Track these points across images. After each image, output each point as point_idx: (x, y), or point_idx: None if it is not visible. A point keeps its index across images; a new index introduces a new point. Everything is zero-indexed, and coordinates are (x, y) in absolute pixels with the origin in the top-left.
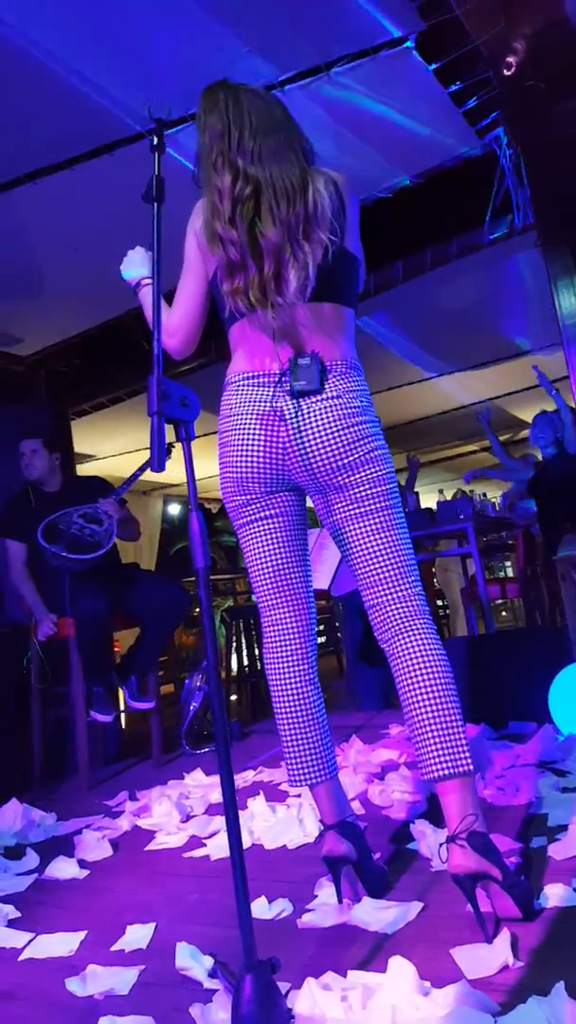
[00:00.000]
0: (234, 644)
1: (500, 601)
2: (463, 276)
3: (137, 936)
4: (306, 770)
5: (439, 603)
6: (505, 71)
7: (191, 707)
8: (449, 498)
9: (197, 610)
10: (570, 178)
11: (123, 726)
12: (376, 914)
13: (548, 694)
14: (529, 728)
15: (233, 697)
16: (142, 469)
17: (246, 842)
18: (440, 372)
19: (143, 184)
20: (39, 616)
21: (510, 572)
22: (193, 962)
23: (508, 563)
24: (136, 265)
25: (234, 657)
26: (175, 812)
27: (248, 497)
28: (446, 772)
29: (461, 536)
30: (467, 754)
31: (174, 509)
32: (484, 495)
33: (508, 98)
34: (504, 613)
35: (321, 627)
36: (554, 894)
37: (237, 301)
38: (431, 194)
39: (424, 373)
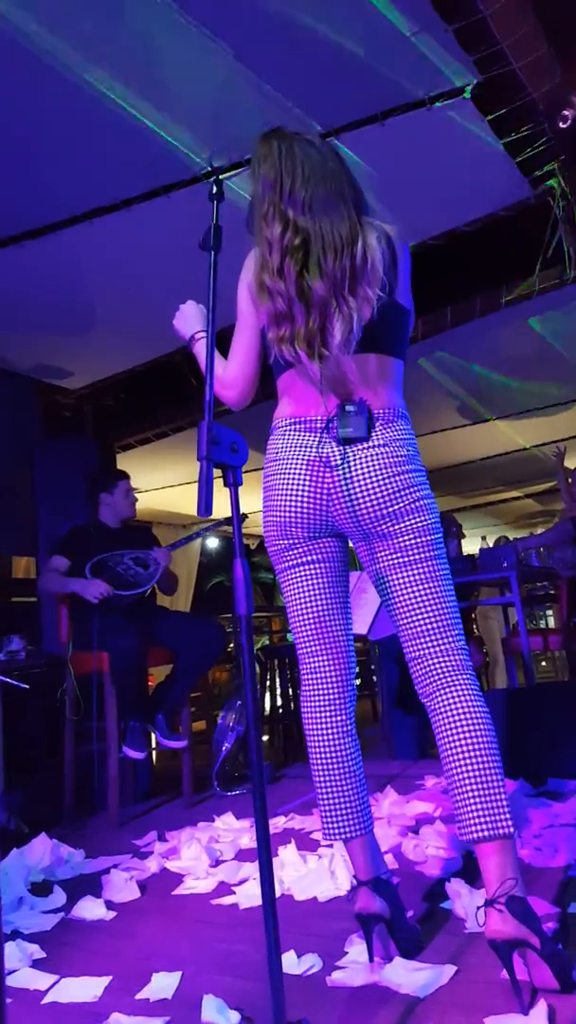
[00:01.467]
0: (268, 684)
1: (539, 651)
2: (513, 324)
3: (163, 984)
4: (341, 824)
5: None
6: (561, 124)
7: (224, 747)
8: (491, 544)
9: (231, 645)
10: None
11: (154, 763)
12: (408, 975)
13: None
14: (569, 786)
15: (265, 738)
16: (201, 532)
17: (275, 892)
18: (487, 417)
19: (198, 225)
20: (80, 588)
21: (551, 622)
22: (219, 1016)
23: (550, 612)
24: (189, 320)
25: (267, 697)
26: (204, 856)
27: (291, 542)
28: (486, 834)
29: (503, 584)
30: (508, 816)
31: (212, 543)
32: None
33: (563, 150)
34: (544, 663)
35: (356, 670)
36: None
37: (283, 349)
38: (483, 242)
39: (470, 418)
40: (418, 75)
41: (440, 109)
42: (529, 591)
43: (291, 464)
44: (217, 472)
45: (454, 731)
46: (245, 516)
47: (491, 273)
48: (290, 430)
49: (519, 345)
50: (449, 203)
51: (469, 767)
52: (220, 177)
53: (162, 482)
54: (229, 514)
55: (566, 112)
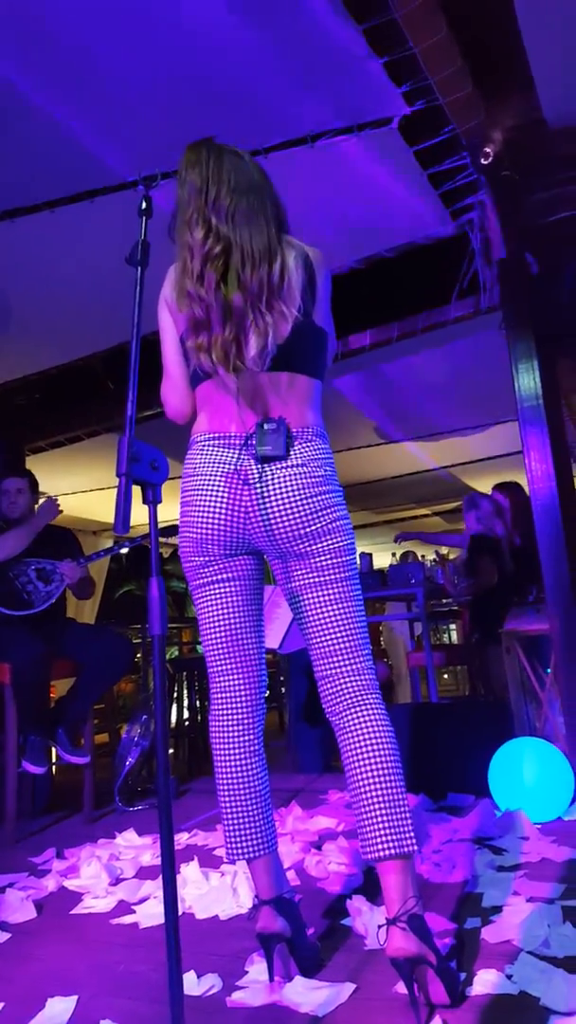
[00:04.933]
0: (175, 696)
1: (442, 666)
2: (428, 349)
3: (57, 1010)
4: (245, 844)
5: (386, 661)
6: (482, 160)
7: (127, 762)
8: (398, 561)
9: (139, 655)
10: (537, 266)
11: (53, 776)
12: (308, 995)
13: (488, 768)
14: (467, 801)
15: (170, 751)
16: (119, 546)
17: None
18: (399, 438)
19: (121, 231)
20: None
21: (455, 637)
22: None
23: (453, 627)
24: None
25: (174, 709)
26: (104, 874)
27: (207, 559)
28: (391, 852)
29: (410, 599)
30: (412, 835)
31: (123, 550)
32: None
33: (484, 185)
34: (446, 677)
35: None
36: (486, 980)
37: (200, 358)
38: (403, 269)
39: (383, 437)
40: (349, 102)
41: (368, 137)
42: (434, 606)
43: (209, 481)
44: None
45: (360, 751)
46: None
47: (411, 299)
48: (208, 445)
49: (435, 372)
50: (375, 228)
51: (375, 787)
52: (147, 186)
53: (74, 487)
54: (146, 523)
55: (487, 149)
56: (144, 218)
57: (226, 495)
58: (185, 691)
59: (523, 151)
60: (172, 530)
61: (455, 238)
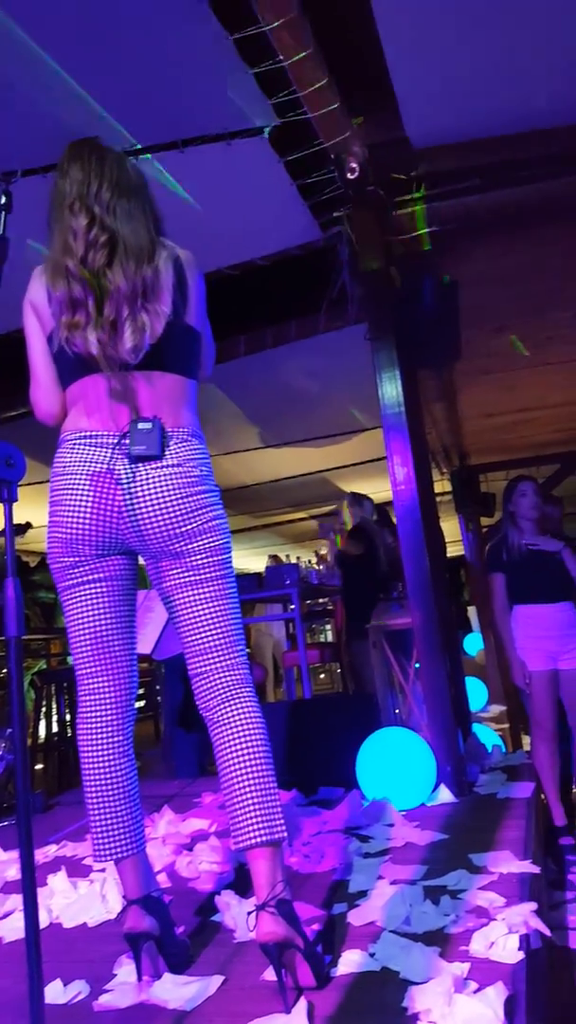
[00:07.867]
0: (43, 710)
1: (317, 664)
2: (302, 356)
3: None
4: (112, 844)
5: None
6: (349, 175)
7: None
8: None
9: (4, 670)
10: (400, 279)
11: None
12: (176, 990)
13: (356, 760)
14: (337, 793)
15: (39, 766)
16: None
17: (44, 921)
18: (275, 443)
19: None
20: None
21: (329, 636)
22: None
23: (328, 627)
24: None
25: (43, 723)
26: None
27: (76, 559)
28: (262, 839)
29: (285, 600)
30: (282, 822)
31: None
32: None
33: (351, 198)
34: (323, 676)
35: (141, 690)
36: (350, 960)
37: (74, 337)
38: (275, 277)
39: (260, 442)
40: (221, 109)
41: (239, 145)
42: (310, 606)
43: (79, 479)
44: None
45: (233, 743)
46: (28, 526)
47: (284, 307)
48: (79, 444)
49: (308, 378)
50: (246, 235)
51: (246, 777)
52: (7, 181)
53: None
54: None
55: (353, 164)
56: (3, 213)
57: (98, 495)
58: (54, 704)
59: (387, 168)
60: (19, 529)
61: (326, 249)
